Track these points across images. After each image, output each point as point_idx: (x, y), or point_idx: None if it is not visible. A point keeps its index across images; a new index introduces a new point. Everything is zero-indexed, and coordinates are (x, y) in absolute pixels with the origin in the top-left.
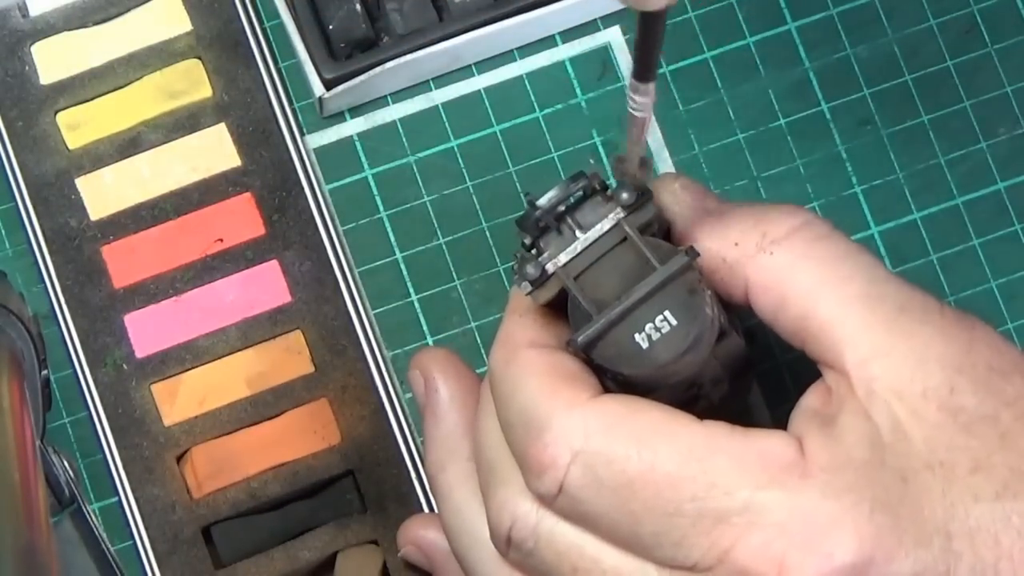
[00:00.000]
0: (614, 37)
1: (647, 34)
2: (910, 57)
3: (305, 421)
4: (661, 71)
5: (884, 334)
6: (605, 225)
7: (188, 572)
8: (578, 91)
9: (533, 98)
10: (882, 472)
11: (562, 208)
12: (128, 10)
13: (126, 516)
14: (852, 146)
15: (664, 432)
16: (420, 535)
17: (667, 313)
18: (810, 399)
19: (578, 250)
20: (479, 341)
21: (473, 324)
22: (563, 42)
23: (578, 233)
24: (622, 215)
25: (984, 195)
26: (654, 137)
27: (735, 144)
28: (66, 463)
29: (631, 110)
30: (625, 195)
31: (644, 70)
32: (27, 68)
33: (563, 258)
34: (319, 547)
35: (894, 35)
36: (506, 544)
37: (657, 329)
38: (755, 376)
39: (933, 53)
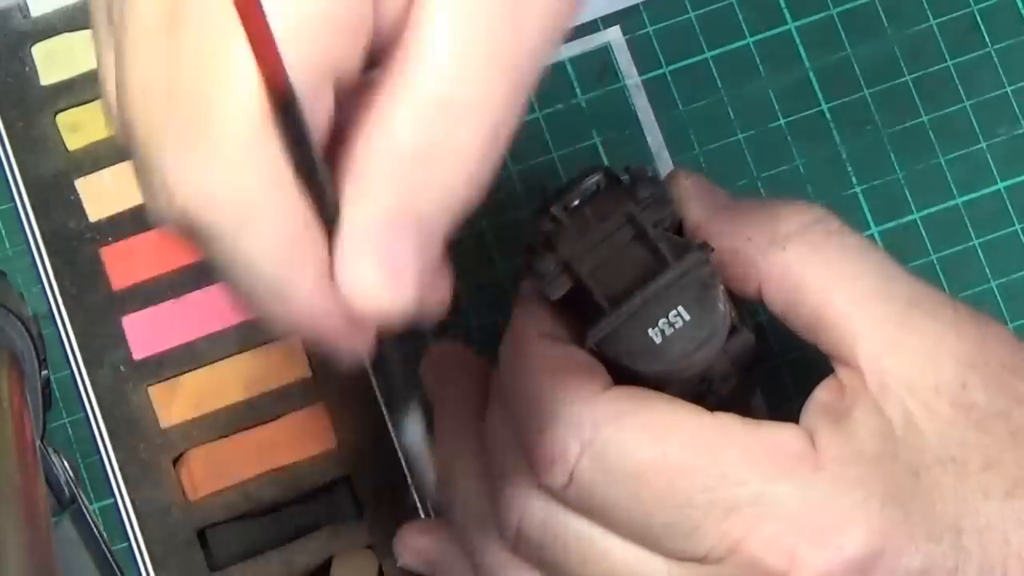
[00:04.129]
0: (614, 37)
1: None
2: (910, 57)
3: (302, 425)
4: (661, 71)
5: (896, 329)
6: (619, 220)
7: (183, 575)
8: (578, 91)
9: (533, 98)
10: (894, 466)
11: (576, 202)
12: None
13: (122, 518)
14: (852, 146)
15: (675, 423)
16: (418, 541)
17: (681, 308)
18: (822, 394)
19: (592, 245)
20: (479, 342)
21: (473, 324)
22: (563, 42)
23: (592, 227)
24: (636, 210)
25: (984, 195)
26: (654, 137)
27: (735, 144)
28: (66, 463)
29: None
30: (639, 190)
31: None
32: (27, 69)
33: (577, 252)
34: (314, 551)
35: (894, 35)
36: (515, 538)
37: (671, 324)
38: (759, 374)
39: (933, 53)
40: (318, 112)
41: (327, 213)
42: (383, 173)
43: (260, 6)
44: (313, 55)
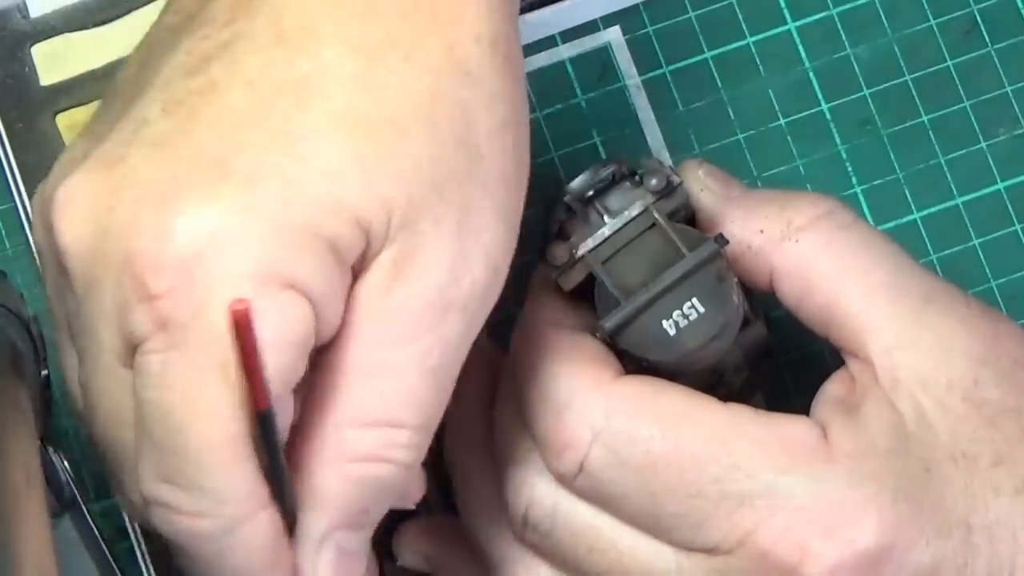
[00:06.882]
0: (614, 37)
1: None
2: (910, 57)
3: None
4: (661, 71)
5: (909, 324)
6: (633, 211)
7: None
8: (578, 91)
9: (533, 98)
10: (906, 461)
11: (591, 193)
12: (129, 12)
13: (123, 517)
14: (852, 146)
15: (688, 414)
16: (418, 540)
17: (695, 300)
18: (833, 387)
19: (606, 235)
20: None
21: None
22: (563, 42)
23: (606, 219)
24: (651, 201)
25: (984, 195)
26: (654, 137)
27: (735, 144)
28: (66, 463)
29: None
30: (654, 181)
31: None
32: (27, 69)
33: (591, 243)
34: None
35: (894, 35)
36: (523, 525)
37: (685, 316)
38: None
39: (933, 53)
40: (284, 419)
41: (288, 512)
42: (334, 489)
43: (254, 334)
44: (289, 372)
